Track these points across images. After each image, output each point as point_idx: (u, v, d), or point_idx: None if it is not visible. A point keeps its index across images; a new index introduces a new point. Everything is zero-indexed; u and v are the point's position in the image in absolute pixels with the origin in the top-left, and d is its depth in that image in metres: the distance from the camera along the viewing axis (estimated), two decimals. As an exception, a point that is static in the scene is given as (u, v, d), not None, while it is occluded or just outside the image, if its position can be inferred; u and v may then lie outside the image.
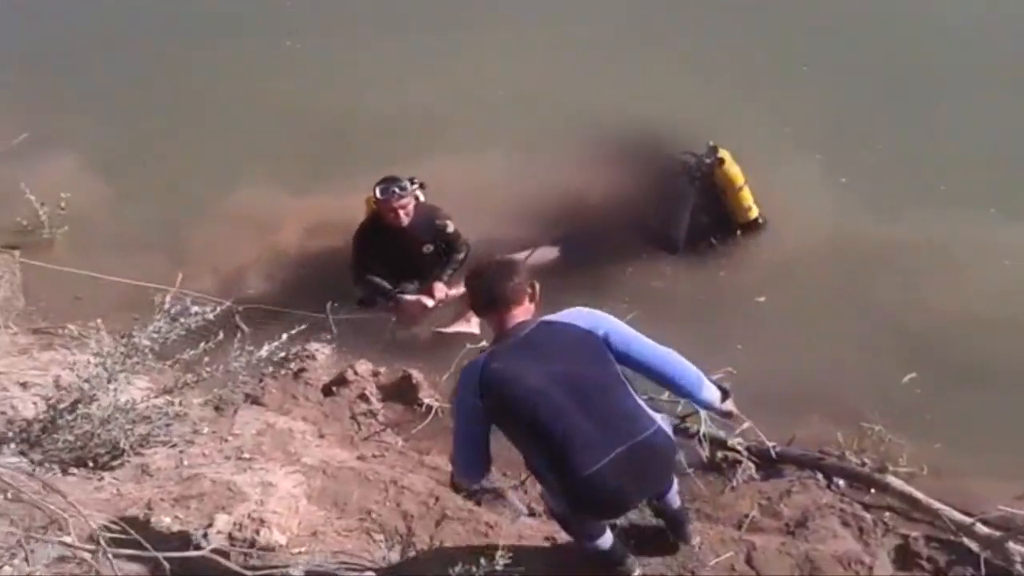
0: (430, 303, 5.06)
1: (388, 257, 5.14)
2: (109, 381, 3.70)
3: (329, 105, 6.55)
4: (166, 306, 3.87)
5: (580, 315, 2.90)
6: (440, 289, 5.11)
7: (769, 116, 6.12)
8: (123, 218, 6.09)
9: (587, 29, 7.02)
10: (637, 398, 2.80)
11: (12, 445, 3.65)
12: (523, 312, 2.90)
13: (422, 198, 5.09)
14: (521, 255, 5.06)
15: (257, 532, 3.46)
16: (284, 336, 4.04)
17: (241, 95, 6.77)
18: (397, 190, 4.85)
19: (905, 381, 4.31)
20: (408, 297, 5.11)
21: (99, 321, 4.47)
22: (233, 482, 3.78)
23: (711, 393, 2.92)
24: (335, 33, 7.17)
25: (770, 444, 4.03)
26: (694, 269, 5.33)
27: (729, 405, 3.04)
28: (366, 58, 6.94)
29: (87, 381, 3.65)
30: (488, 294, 2.89)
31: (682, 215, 5.24)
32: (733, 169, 5.19)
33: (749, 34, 6.76)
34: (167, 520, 3.48)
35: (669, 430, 2.83)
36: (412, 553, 3.43)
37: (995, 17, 6.59)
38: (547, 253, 5.40)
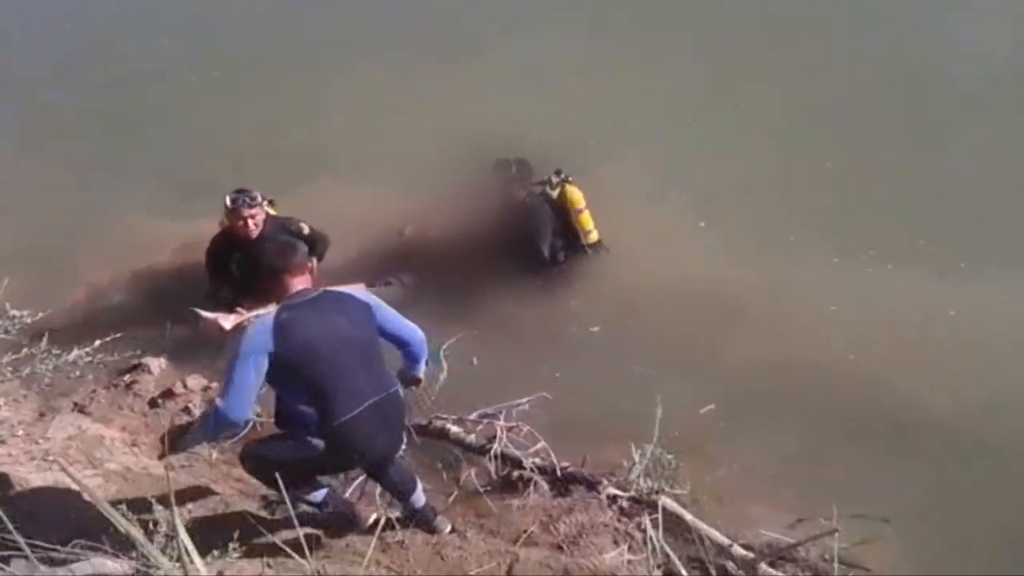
0: (227, 324, 4.77)
1: (242, 271, 5.16)
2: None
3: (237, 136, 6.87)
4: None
5: (357, 290, 3.60)
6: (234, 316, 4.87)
7: (643, 156, 6.42)
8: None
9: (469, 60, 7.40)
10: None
11: None
12: (304, 281, 3.43)
13: (272, 212, 5.26)
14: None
15: (35, 528, 3.53)
16: (97, 342, 4.16)
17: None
18: (247, 200, 5.01)
19: (703, 412, 4.47)
20: (205, 315, 4.83)
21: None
22: (27, 480, 3.86)
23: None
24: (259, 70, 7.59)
25: (559, 464, 4.15)
26: (545, 295, 5.53)
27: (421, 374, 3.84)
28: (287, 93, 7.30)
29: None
30: (272, 266, 3.41)
31: (545, 229, 5.49)
32: (574, 193, 5.48)
33: (647, 66, 7.12)
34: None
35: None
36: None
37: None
38: (394, 286, 5.61)
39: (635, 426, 4.39)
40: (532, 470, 4.16)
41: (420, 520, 3.84)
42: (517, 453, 4.24)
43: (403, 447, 3.82)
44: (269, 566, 3.36)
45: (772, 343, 4.95)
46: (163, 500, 2.98)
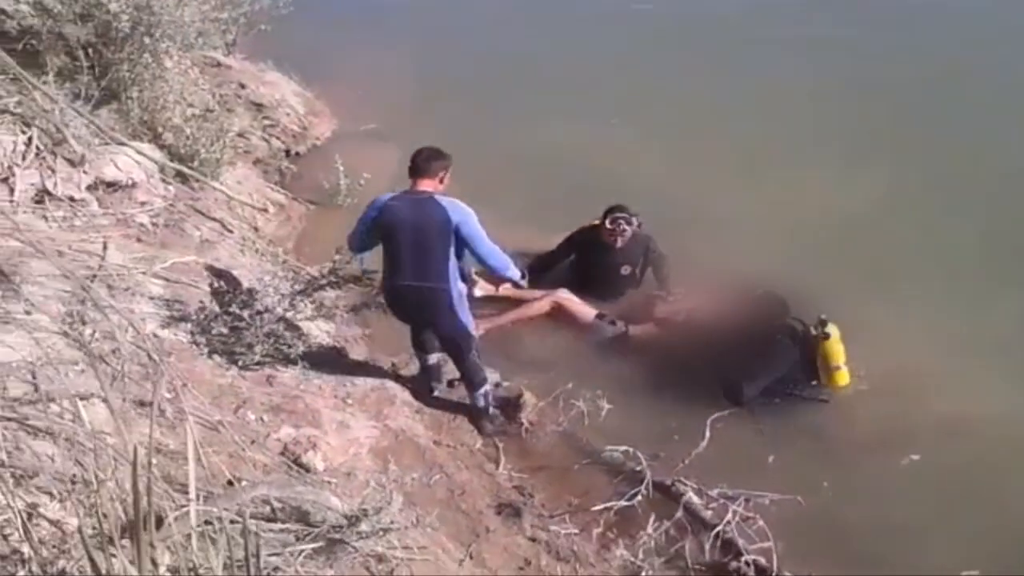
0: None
1: (582, 266, 6.23)
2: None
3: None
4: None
5: (453, 206, 4.58)
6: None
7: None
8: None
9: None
10: (450, 270, 4.61)
11: (187, 324, 4.77)
12: (428, 185, 4.69)
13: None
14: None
15: (305, 451, 4.20)
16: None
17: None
18: (625, 218, 5.91)
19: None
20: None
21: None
22: (320, 411, 4.56)
23: (514, 272, 4.93)
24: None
25: (780, 571, 3.94)
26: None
27: (522, 283, 5.23)
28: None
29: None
30: (416, 161, 4.71)
31: (764, 376, 5.11)
32: (835, 348, 5.06)
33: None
34: (251, 416, 4.35)
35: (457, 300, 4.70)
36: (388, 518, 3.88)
37: None
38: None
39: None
40: (748, 564, 3.99)
41: (474, 411, 5.02)
42: (741, 542, 4.09)
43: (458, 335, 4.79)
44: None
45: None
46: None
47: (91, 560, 1.78)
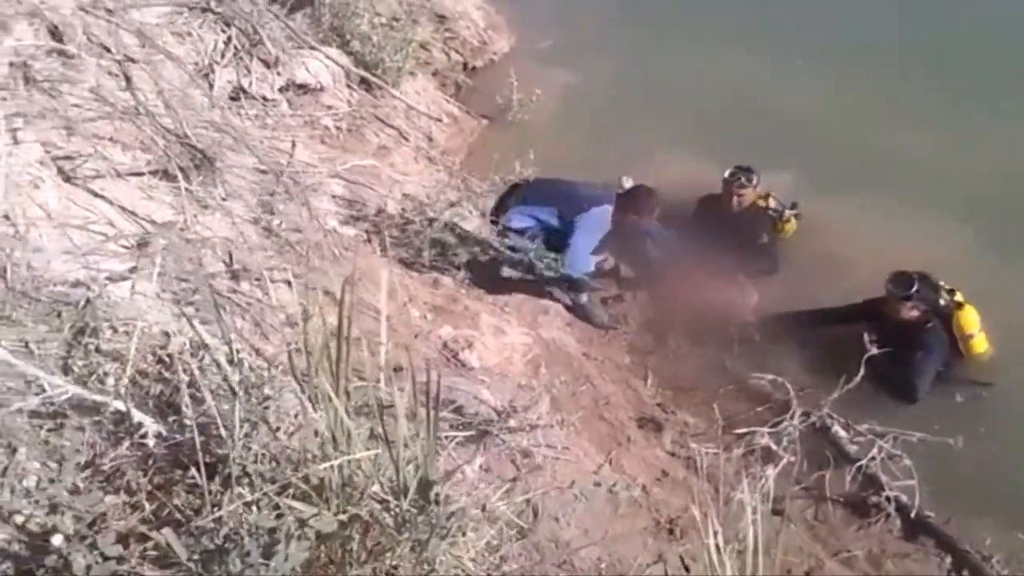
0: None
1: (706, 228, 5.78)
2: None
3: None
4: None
5: None
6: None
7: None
8: (571, 127, 7.24)
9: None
10: None
11: (364, 224, 5.09)
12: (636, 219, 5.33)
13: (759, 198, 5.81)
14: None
15: (463, 349, 4.46)
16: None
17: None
18: (743, 178, 5.70)
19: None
20: None
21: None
22: (479, 315, 4.81)
23: None
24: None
25: (920, 508, 3.91)
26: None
27: None
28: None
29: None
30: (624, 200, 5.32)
31: (931, 366, 4.77)
32: (969, 317, 4.81)
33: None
34: (416, 313, 4.64)
35: None
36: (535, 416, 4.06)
37: None
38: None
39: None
40: (889, 500, 3.98)
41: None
42: (884, 478, 4.08)
43: None
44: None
45: None
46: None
47: (298, 382, 2.07)
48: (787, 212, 5.74)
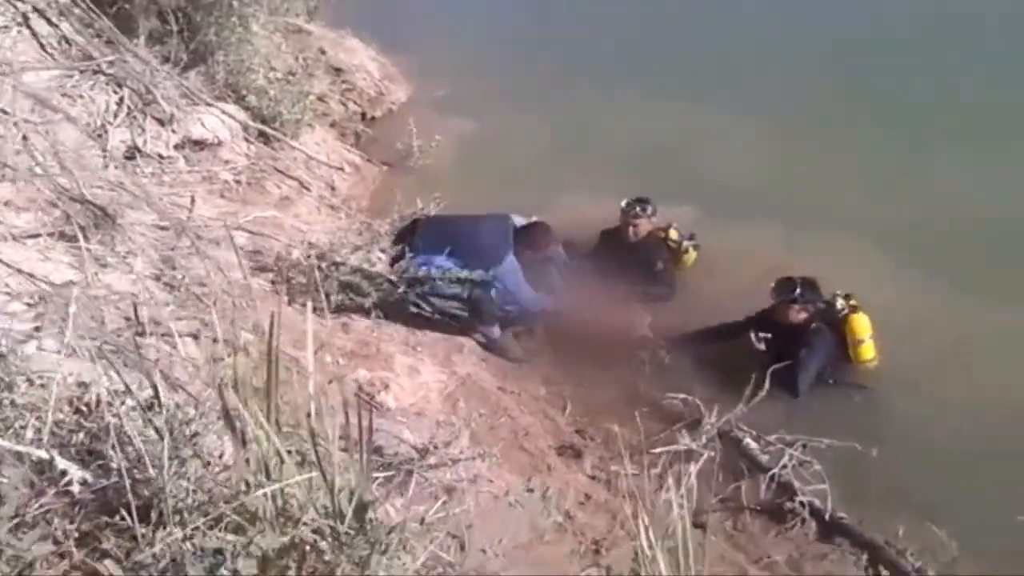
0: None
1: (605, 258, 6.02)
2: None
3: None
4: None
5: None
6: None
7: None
8: (472, 170, 7.30)
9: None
10: None
11: (268, 274, 5.05)
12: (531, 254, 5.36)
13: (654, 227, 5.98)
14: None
15: (379, 391, 4.45)
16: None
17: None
18: (639, 208, 5.89)
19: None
20: None
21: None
22: (393, 356, 4.80)
23: None
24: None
25: (833, 510, 4.04)
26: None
27: None
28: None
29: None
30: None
31: (813, 363, 5.03)
32: (861, 322, 5.07)
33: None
34: (329, 359, 4.61)
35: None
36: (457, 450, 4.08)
37: None
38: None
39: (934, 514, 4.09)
40: (803, 505, 4.10)
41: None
42: (797, 484, 4.21)
43: None
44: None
45: None
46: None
47: (227, 415, 2.09)
48: (685, 243, 5.94)
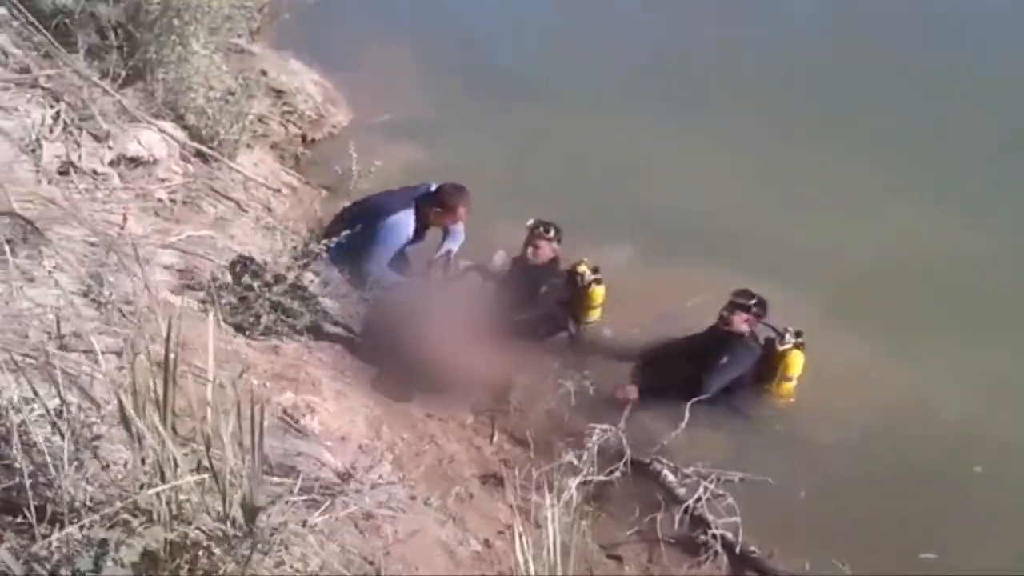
0: None
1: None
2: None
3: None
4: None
5: None
6: None
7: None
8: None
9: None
10: None
11: (200, 293, 5.04)
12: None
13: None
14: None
15: (304, 415, 4.46)
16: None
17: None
18: (541, 230, 5.89)
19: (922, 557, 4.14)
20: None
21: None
22: (321, 380, 4.82)
23: None
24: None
25: (743, 544, 4.16)
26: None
27: None
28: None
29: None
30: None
31: (727, 371, 5.27)
32: (797, 360, 5.27)
33: None
34: (255, 381, 4.60)
35: None
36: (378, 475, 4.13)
37: None
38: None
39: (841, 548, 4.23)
40: (715, 538, 4.21)
41: None
42: (710, 517, 4.32)
43: None
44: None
45: None
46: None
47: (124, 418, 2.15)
48: (588, 276, 5.87)
